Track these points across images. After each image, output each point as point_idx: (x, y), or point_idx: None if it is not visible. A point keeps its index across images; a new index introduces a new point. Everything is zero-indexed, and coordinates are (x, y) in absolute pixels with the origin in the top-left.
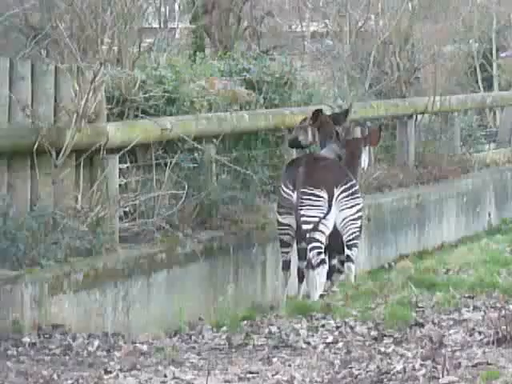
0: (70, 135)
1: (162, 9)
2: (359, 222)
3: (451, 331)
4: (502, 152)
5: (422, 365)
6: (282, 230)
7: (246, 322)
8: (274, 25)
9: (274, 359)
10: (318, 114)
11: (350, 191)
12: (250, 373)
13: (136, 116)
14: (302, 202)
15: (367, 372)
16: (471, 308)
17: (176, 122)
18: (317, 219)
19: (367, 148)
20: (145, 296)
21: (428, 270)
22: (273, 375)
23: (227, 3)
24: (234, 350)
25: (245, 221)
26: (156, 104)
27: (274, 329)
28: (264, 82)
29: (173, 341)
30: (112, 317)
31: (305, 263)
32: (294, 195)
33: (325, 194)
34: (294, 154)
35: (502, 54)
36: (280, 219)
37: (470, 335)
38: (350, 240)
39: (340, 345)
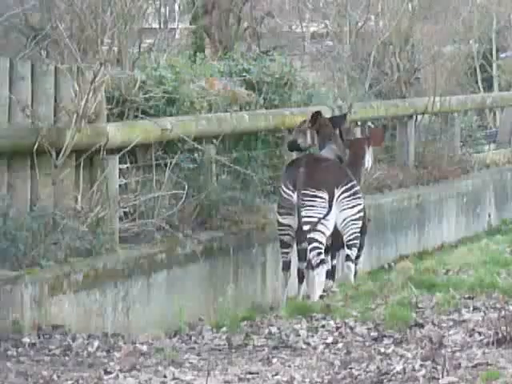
0: (70, 135)
1: (162, 9)
2: (360, 222)
3: (451, 332)
4: (501, 152)
5: (421, 365)
6: (282, 230)
7: (245, 322)
8: (274, 25)
9: (274, 360)
10: (316, 116)
11: (351, 191)
12: (250, 373)
13: (136, 116)
14: (303, 203)
15: (367, 372)
16: (471, 309)
17: (176, 122)
18: (317, 219)
19: (370, 148)
20: (145, 296)
21: (428, 270)
22: (273, 376)
23: (227, 4)
24: (233, 351)
25: (245, 221)
26: (156, 104)
27: (273, 329)
28: (264, 83)
29: (173, 341)
30: (112, 317)
31: (305, 264)
32: (295, 196)
33: (325, 195)
34: (293, 154)
35: (502, 55)
36: (280, 220)
37: (470, 336)
38: (350, 240)
39: (340, 345)
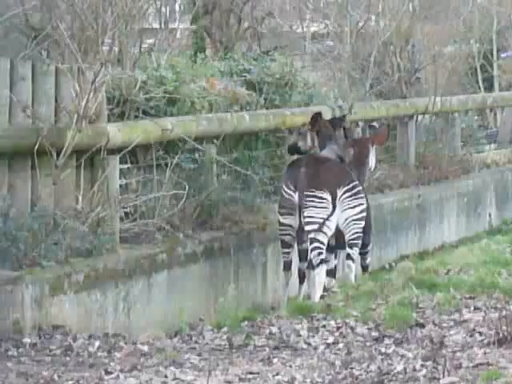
0: (71, 136)
1: (163, 9)
2: (362, 222)
3: (452, 332)
4: (502, 152)
5: (422, 365)
6: (283, 230)
7: (246, 322)
8: (275, 25)
9: (275, 360)
10: (316, 117)
11: (353, 191)
12: (251, 373)
13: (137, 116)
14: (306, 204)
15: (368, 373)
16: (472, 309)
17: (177, 122)
18: (320, 220)
19: (374, 148)
20: (145, 296)
21: (428, 270)
22: (273, 376)
23: (228, 4)
24: (234, 351)
25: (245, 221)
26: (157, 104)
27: (274, 329)
28: (265, 83)
29: (173, 341)
30: (113, 317)
31: (306, 264)
32: (296, 196)
33: (328, 196)
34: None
35: (503, 55)
36: (281, 220)
37: (471, 336)
38: (351, 239)
39: (341, 345)
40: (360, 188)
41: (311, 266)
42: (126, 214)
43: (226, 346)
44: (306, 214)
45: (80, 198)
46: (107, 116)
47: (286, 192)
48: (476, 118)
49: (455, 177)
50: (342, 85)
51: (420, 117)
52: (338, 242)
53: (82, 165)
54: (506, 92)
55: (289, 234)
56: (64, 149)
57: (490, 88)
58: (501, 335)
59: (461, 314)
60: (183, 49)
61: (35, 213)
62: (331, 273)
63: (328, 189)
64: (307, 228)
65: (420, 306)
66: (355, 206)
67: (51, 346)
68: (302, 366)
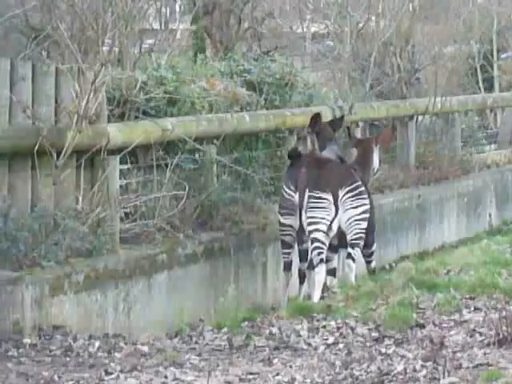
0: (71, 136)
1: (163, 10)
2: (365, 222)
3: (452, 332)
4: (502, 153)
5: (422, 366)
6: (283, 231)
7: (246, 322)
8: (275, 26)
9: (275, 360)
10: (316, 118)
11: (355, 192)
12: (251, 374)
13: (137, 117)
14: (308, 205)
15: (368, 373)
16: (472, 309)
17: (177, 122)
18: (322, 220)
19: (378, 148)
20: (145, 297)
21: (429, 270)
22: (273, 376)
23: (228, 4)
24: (234, 351)
25: (245, 222)
26: (157, 105)
27: (274, 330)
28: (265, 83)
29: (173, 342)
30: (113, 318)
31: (306, 264)
32: (296, 196)
33: (330, 197)
34: None
35: (503, 55)
36: (282, 220)
37: (471, 336)
38: (353, 239)
39: (341, 346)
40: (363, 189)
41: (311, 267)
42: (126, 214)
43: (226, 347)
44: (308, 214)
45: (80, 199)
46: (107, 116)
47: (286, 192)
48: (476, 118)
49: (455, 177)
50: (342, 85)
51: (420, 117)
52: (340, 242)
53: (82, 165)
54: (506, 92)
55: (289, 235)
56: (64, 149)
57: (490, 88)
58: (501, 336)
59: (461, 314)
60: (183, 49)
61: (35, 213)
62: (333, 272)
63: (330, 190)
64: (309, 228)
65: (420, 306)
66: (357, 207)
67: (51, 346)
68: (302, 367)
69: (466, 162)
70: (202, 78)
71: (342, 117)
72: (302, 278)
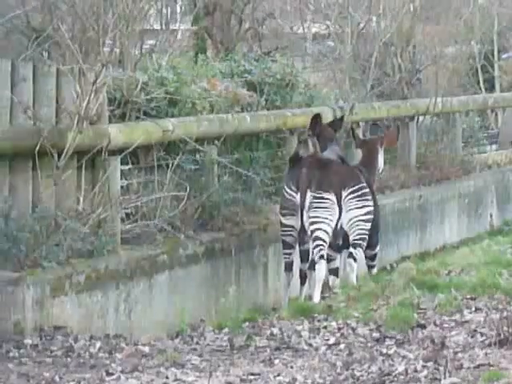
0: (72, 137)
1: (164, 10)
2: (368, 223)
3: (453, 333)
4: (503, 153)
5: (423, 366)
6: (284, 231)
7: (247, 323)
8: (276, 26)
9: (276, 361)
10: (316, 119)
11: (359, 193)
12: (252, 374)
13: (138, 117)
14: (311, 205)
15: (369, 373)
16: (473, 309)
17: (178, 123)
18: (325, 220)
19: (383, 148)
20: (146, 297)
21: (430, 271)
22: (274, 377)
23: (229, 5)
24: (235, 352)
25: (246, 222)
26: (158, 105)
27: (275, 330)
28: (265, 84)
29: (174, 342)
30: (114, 318)
31: (307, 265)
32: (297, 196)
33: (333, 197)
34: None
35: (504, 56)
36: (283, 221)
37: (472, 337)
38: (355, 240)
39: (342, 346)
40: (366, 190)
41: (312, 267)
42: (127, 214)
43: (227, 347)
44: (311, 214)
45: (81, 199)
46: (108, 117)
47: (287, 193)
48: (477, 118)
49: (456, 177)
50: (342, 85)
51: (421, 117)
52: (344, 243)
53: (83, 166)
54: (507, 93)
55: (290, 235)
56: (65, 150)
57: (491, 89)
58: (502, 336)
59: (462, 314)
60: (184, 50)
61: (36, 214)
62: (335, 272)
63: (333, 190)
64: (311, 228)
65: (421, 306)
66: (360, 207)
67: (52, 347)
68: (303, 367)
69: (467, 162)
70: (202, 78)
71: (342, 117)
72: (303, 278)
